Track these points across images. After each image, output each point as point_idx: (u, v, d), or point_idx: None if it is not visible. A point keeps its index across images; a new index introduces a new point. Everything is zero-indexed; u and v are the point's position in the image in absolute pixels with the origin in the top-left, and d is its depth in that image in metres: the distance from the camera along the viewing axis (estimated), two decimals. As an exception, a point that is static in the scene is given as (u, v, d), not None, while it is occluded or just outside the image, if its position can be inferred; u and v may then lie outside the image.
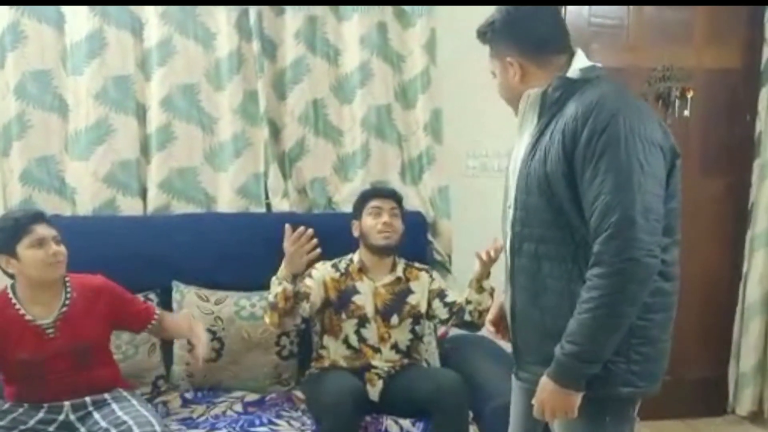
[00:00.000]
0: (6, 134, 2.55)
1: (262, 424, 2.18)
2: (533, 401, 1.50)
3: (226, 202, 2.70)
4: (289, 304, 2.17)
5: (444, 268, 2.80)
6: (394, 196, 2.46)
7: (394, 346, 2.37)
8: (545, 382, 1.45)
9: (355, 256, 2.44)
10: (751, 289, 3.21)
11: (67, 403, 2.04)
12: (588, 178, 1.39)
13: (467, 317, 2.32)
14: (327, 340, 2.39)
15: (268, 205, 2.76)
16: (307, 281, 2.29)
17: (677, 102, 3.13)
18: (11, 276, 2.02)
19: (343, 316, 2.35)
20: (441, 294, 2.42)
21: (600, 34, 3.09)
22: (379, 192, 2.48)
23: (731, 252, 3.30)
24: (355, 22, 2.72)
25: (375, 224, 2.36)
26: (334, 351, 2.37)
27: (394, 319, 2.36)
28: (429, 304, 2.42)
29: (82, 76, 2.57)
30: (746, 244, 3.22)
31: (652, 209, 1.38)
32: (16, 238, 1.96)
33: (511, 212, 1.58)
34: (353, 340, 2.35)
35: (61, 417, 2.02)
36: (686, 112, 3.14)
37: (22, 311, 2.00)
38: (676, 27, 3.15)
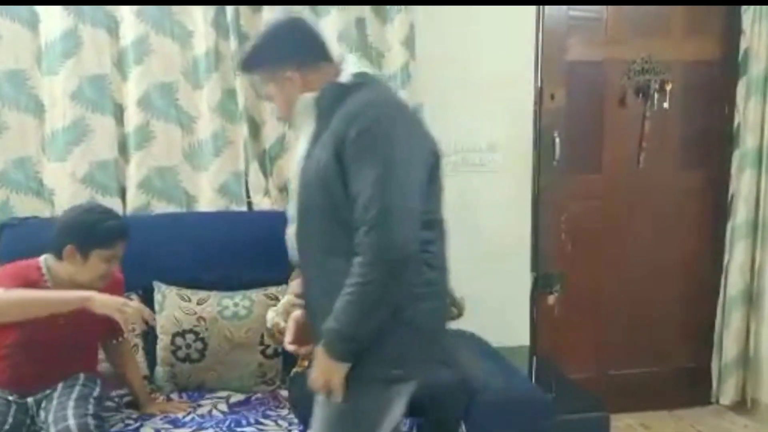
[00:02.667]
0: (-19, 136, 2.51)
1: (249, 424, 2.16)
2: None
3: (207, 201, 2.69)
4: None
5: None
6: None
7: None
8: (318, 353, 1.55)
9: None
10: (732, 280, 3.23)
11: (30, 400, 2.01)
12: (353, 175, 1.48)
13: None
14: None
15: (249, 204, 2.74)
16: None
17: (656, 95, 3.16)
18: (58, 255, 2.00)
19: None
20: None
21: (578, 27, 3.10)
22: None
23: (712, 243, 3.32)
24: (334, 18, 2.70)
25: None
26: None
27: None
28: None
29: (58, 76, 2.53)
30: (727, 236, 3.25)
31: (410, 205, 1.48)
32: (99, 245, 1.98)
33: (296, 212, 1.64)
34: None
35: (30, 412, 2.01)
36: (665, 105, 3.17)
37: (48, 282, 2.00)
38: (655, 20, 3.17)
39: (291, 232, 1.68)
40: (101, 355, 2.25)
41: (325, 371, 1.54)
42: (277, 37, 1.64)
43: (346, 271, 1.48)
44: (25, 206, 2.52)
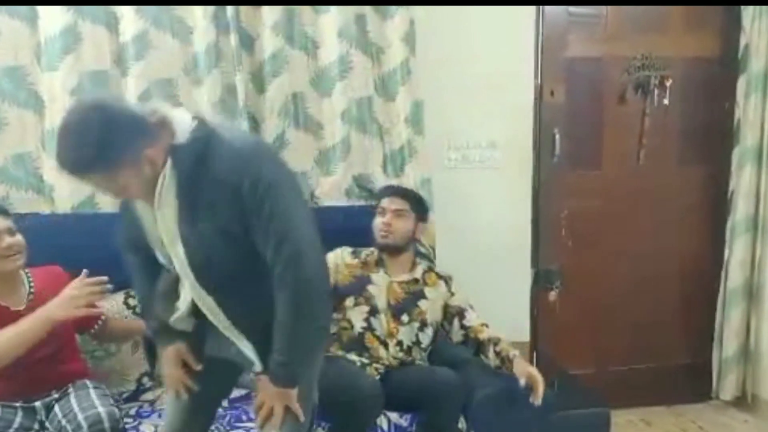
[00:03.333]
0: (-20, 132, 2.50)
1: (249, 420, 2.15)
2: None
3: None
4: None
5: (427, 260, 2.80)
6: (404, 196, 2.40)
7: (399, 344, 2.34)
8: (268, 386, 1.64)
9: (376, 249, 2.43)
10: (732, 276, 3.24)
11: (38, 404, 2.02)
12: (259, 223, 1.51)
13: (494, 361, 2.30)
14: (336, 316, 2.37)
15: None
16: None
17: (656, 91, 3.16)
18: None
19: (354, 302, 2.34)
20: (461, 314, 2.38)
21: (578, 24, 3.10)
22: (387, 191, 2.47)
23: (712, 239, 3.33)
24: (333, 14, 2.70)
25: (378, 223, 2.38)
26: (341, 329, 2.34)
27: (405, 318, 2.34)
28: (445, 319, 2.40)
29: (57, 72, 2.52)
30: (727, 232, 3.25)
31: (314, 240, 1.57)
32: None
33: (189, 274, 1.60)
34: (359, 327, 2.32)
35: (38, 417, 2.01)
36: (665, 101, 3.17)
37: None
38: (654, 16, 3.17)
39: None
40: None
41: (282, 398, 1.63)
42: (115, 126, 1.42)
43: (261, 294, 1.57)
44: (25, 202, 2.51)
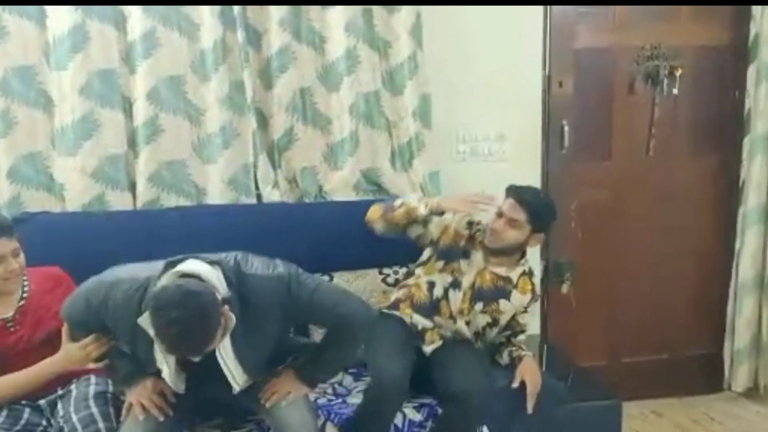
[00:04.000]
0: (-9, 132, 2.52)
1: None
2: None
3: (217, 194, 2.69)
4: (404, 221, 2.29)
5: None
6: (525, 205, 2.25)
7: (468, 325, 2.33)
8: (292, 377, 1.99)
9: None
10: (744, 266, 3.22)
11: (42, 402, 2.02)
12: (307, 315, 2.07)
13: (505, 359, 2.36)
14: (418, 271, 2.40)
15: (259, 196, 2.74)
16: (435, 218, 2.33)
17: (666, 81, 3.13)
18: None
19: (442, 266, 2.34)
20: (514, 333, 2.41)
21: (586, 14, 3.07)
22: (511, 192, 2.31)
23: (724, 230, 3.30)
24: (340, 8, 2.69)
25: (491, 223, 2.31)
26: (416, 288, 2.36)
27: (479, 306, 2.31)
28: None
29: (66, 71, 2.54)
30: (738, 222, 3.23)
31: (350, 297, 2.04)
32: None
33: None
34: (438, 293, 2.33)
35: (44, 418, 2.01)
36: (675, 91, 3.14)
37: None
38: (663, 5, 3.14)
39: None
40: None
41: (298, 390, 1.97)
42: (213, 306, 1.65)
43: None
44: (36, 201, 2.53)
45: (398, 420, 2.16)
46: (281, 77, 2.70)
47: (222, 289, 1.71)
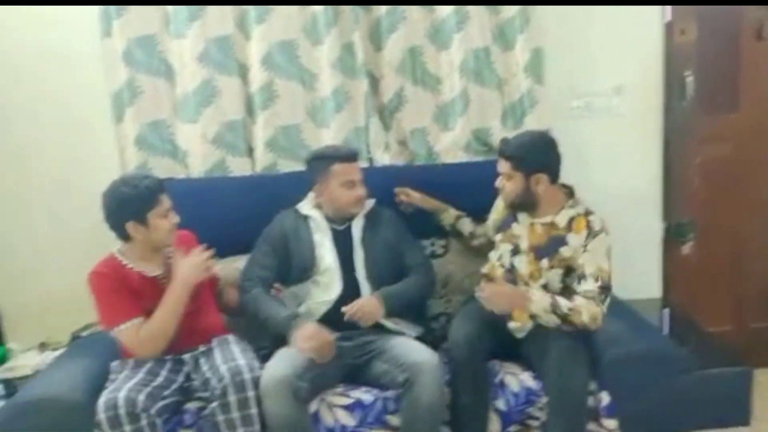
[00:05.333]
0: (118, 101, 2.63)
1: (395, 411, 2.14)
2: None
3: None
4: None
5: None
6: (507, 157, 2.24)
7: (545, 287, 2.23)
8: (377, 301, 2.26)
9: None
10: None
11: (187, 356, 2.14)
12: (407, 245, 2.51)
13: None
14: (491, 254, 2.40)
15: (370, 159, 2.75)
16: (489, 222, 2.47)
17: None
18: (126, 238, 2.11)
19: (501, 237, 2.34)
20: (574, 277, 2.19)
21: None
22: (498, 151, 2.30)
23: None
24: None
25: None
26: (492, 268, 2.36)
27: (545, 262, 2.24)
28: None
29: (185, 39, 2.61)
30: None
31: None
32: (148, 207, 2.06)
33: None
34: (506, 260, 2.31)
35: (185, 368, 2.14)
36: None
37: (137, 268, 2.11)
38: None
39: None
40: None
41: (377, 314, 2.22)
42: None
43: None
44: (161, 168, 2.64)
45: (513, 384, 2.15)
46: (391, 37, 2.67)
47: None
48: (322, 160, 2.35)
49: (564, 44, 2.77)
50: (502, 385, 2.16)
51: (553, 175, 2.24)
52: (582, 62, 2.82)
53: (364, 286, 2.30)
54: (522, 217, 2.30)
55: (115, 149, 2.66)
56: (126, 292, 2.06)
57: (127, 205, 2.05)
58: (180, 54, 2.63)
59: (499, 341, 2.22)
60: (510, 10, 2.69)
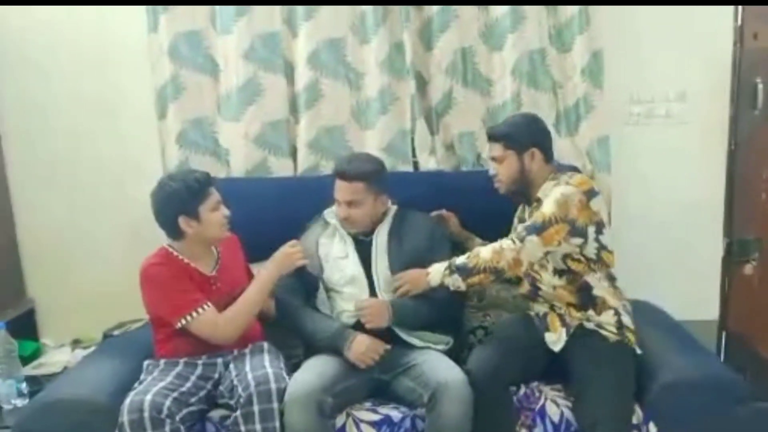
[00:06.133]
0: (162, 96, 2.62)
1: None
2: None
3: (374, 161, 2.65)
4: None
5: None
6: (494, 138, 2.18)
7: (559, 273, 2.11)
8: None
9: None
10: None
11: (219, 360, 2.11)
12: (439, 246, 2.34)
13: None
14: None
15: (415, 164, 2.68)
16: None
17: None
18: (178, 235, 2.09)
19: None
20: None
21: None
22: (487, 135, 2.26)
23: None
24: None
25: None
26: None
27: (532, 238, 2.06)
28: None
29: (231, 35, 2.57)
30: None
31: None
32: (199, 200, 2.05)
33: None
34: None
35: (215, 375, 2.10)
36: None
37: (192, 264, 2.10)
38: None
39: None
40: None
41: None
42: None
43: None
44: (203, 166, 2.54)
45: (554, 412, 2.04)
46: (441, 37, 2.58)
47: (385, 190, 2.21)
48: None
49: (625, 46, 2.63)
50: (542, 413, 2.05)
51: (546, 151, 2.17)
52: (643, 66, 2.68)
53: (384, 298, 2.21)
54: (519, 209, 2.28)
55: (158, 146, 2.65)
56: (188, 281, 2.06)
57: (177, 199, 2.03)
58: (225, 50, 2.59)
59: (531, 362, 2.11)
60: (570, 10, 2.57)
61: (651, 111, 2.73)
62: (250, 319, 2.12)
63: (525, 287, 2.23)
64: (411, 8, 2.54)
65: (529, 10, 2.55)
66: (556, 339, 2.10)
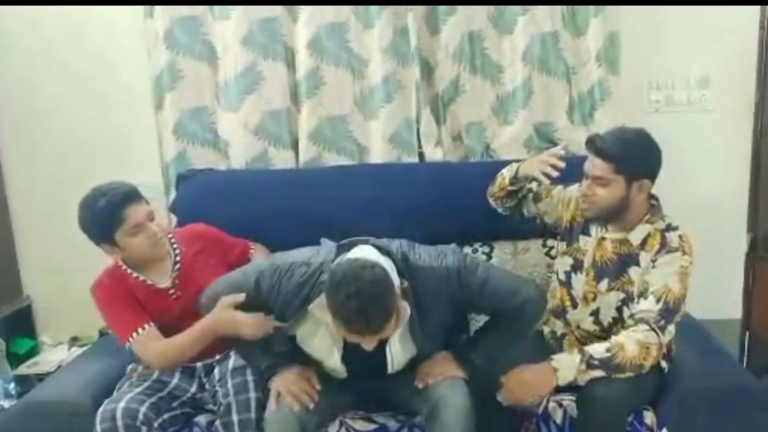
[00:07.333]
0: (158, 86, 2.55)
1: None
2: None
3: (378, 153, 2.57)
4: (500, 192, 2.12)
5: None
6: (608, 157, 1.86)
7: (595, 314, 1.98)
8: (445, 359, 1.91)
9: None
10: None
11: (199, 365, 2.03)
12: (482, 300, 1.85)
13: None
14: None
15: (421, 155, 2.58)
16: (553, 189, 2.08)
17: None
18: (115, 254, 1.96)
19: (564, 248, 2.05)
20: (634, 296, 1.90)
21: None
22: (589, 147, 1.92)
23: None
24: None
25: (580, 188, 1.96)
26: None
27: (603, 284, 1.95)
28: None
29: (229, 21, 2.49)
30: None
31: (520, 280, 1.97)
32: (111, 229, 1.87)
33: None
34: (561, 277, 2.05)
35: (199, 375, 2.03)
36: None
37: (141, 278, 1.97)
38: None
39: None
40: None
41: (451, 370, 1.88)
42: (393, 289, 1.66)
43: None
44: (201, 158, 2.56)
45: (557, 415, 1.92)
46: (448, 20, 2.48)
47: (395, 279, 1.63)
48: None
49: (642, 29, 2.52)
50: (545, 417, 1.93)
51: (653, 182, 1.92)
52: (663, 50, 2.56)
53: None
54: (594, 230, 1.99)
55: (155, 137, 2.58)
56: (131, 301, 1.94)
57: (89, 230, 1.88)
58: (223, 36, 2.51)
59: None
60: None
61: (671, 98, 2.61)
62: (184, 360, 1.93)
63: (553, 302, 2.09)
64: (416, -11, 2.44)
65: (542, -9, 2.44)
66: (567, 361, 1.81)
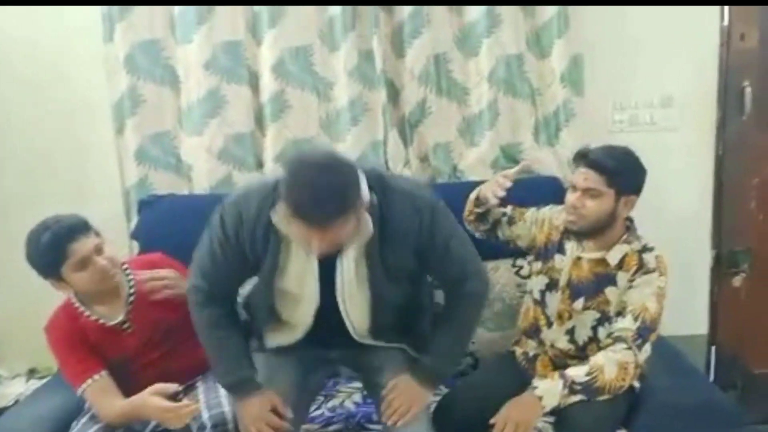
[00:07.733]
0: (119, 111, 2.50)
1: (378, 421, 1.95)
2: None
3: (345, 174, 2.54)
4: (472, 216, 2.14)
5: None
6: (600, 169, 1.86)
7: (570, 333, 1.97)
8: (406, 384, 1.82)
9: None
10: None
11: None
12: (435, 255, 1.76)
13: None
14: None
15: (389, 176, 2.56)
16: (527, 212, 2.10)
17: None
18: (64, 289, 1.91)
19: (540, 267, 2.04)
20: (612, 317, 1.90)
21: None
22: (579, 160, 1.92)
23: None
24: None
25: (567, 199, 1.94)
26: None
27: (579, 303, 1.94)
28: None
29: (191, 45, 2.45)
30: None
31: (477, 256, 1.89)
32: (56, 263, 1.80)
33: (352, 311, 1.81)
34: (535, 296, 2.04)
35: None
36: None
37: (93, 317, 1.90)
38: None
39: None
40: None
41: (421, 399, 1.79)
42: (354, 175, 1.56)
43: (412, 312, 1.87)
44: (163, 183, 2.50)
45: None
46: (414, 43, 2.47)
47: (364, 186, 1.53)
48: None
49: (606, 50, 2.54)
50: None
51: (638, 199, 1.94)
52: (626, 70, 2.59)
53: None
54: (569, 247, 1.99)
55: (116, 164, 2.53)
56: (84, 345, 1.87)
57: (35, 265, 1.81)
58: (186, 60, 2.47)
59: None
60: (547, 13, 2.47)
61: (635, 118, 2.63)
62: (126, 423, 1.87)
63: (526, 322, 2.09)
64: (381, 13, 2.44)
65: (505, 12, 2.45)
66: (549, 388, 1.80)
